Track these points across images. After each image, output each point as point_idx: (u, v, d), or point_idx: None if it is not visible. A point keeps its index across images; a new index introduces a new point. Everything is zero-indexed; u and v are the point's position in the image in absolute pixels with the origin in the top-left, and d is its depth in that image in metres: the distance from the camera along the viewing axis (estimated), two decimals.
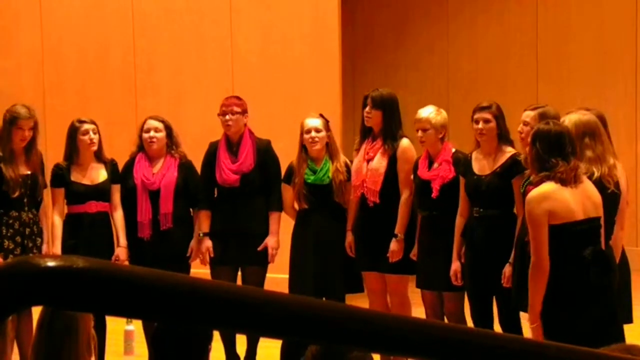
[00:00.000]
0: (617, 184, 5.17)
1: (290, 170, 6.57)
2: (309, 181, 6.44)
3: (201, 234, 6.58)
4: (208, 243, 6.57)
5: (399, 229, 6.26)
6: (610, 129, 5.50)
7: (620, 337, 5.00)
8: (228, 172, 6.54)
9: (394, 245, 6.26)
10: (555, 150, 4.81)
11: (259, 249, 6.53)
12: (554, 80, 11.02)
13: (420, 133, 6.17)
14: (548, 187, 4.79)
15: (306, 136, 6.47)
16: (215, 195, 6.66)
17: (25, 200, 6.43)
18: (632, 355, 2.24)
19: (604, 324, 4.87)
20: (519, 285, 5.32)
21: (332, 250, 6.44)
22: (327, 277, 6.43)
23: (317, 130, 6.45)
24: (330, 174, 6.43)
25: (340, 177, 6.42)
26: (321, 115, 6.54)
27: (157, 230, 6.49)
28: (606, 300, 4.89)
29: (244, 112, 6.61)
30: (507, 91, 10.59)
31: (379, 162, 6.31)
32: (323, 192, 6.44)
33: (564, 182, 4.78)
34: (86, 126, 6.50)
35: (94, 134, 6.50)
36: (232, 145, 6.62)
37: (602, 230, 4.95)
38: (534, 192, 4.83)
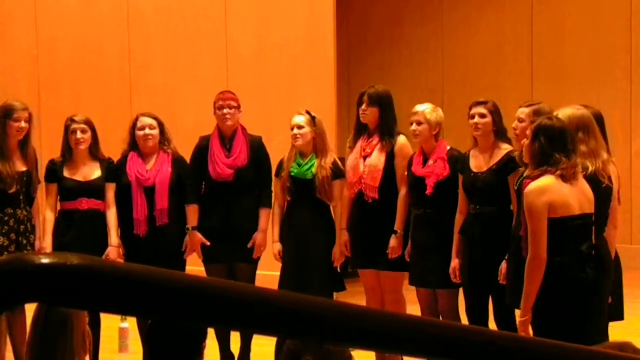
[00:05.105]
0: (610, 179, 5.17)
1: (281, 164, 6.58)
2: (293, 174, 6.45)
3: (190, 228, 6.58)
4: (199, 236, 6.57)
5: (398, 225, 6.27)
6: (605, 127, 5.50)
7: (607, 333, 5.02)
8: (223, 166, 6.54)
9: (393, 241, 6.26)
10: (559, 146, 4.79)
11: (248, 245, 6.54)
12: (549, 78, 11.03)
13: (414, 126, 6.19)
14: (548, 180, 4.77)
15: (291, 133, 6.49)
16: (207, 191, 6.65)
17: (21, 197, 6.43)
18: (625, 353, 2.24)
19: (596, 319, 4.87)
20: (514, 282, 5.32)
21: (312, 244, 6.42)
22: (307, 270, 6.41)
23: (299, 127, 6.45)
24: (314, 170, 6.42)
25: (324, 174, 6.40)
26: (307, 112, 6.53)
27: (153, 226, 6.48)
28: (600, 296, 4.89)
29: (239, 107, 6.65)
30: (502, 89, 10.59)
31: (377, 158, 6.31)
32: (305, 187, 6.43)
33: (564, 178, 4.76)
34: (74, 125, 6.47)
35: (82, 133, 6.45)
36: (226, 140, 6.62)
37: (594, 227, 4.96)
38: (534, 185, 4.79)
